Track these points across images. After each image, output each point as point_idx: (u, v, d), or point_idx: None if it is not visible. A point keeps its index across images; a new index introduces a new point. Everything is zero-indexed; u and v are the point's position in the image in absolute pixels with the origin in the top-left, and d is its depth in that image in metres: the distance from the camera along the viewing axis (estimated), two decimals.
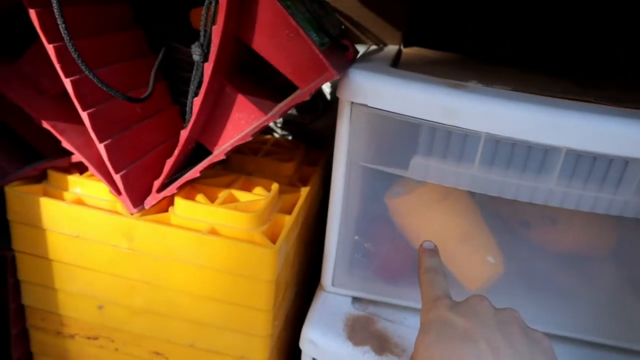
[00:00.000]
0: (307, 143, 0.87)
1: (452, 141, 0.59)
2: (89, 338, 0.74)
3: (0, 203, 0.69)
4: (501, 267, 0.69)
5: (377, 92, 0.59)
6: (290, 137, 0.93)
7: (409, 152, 0.61)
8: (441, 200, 0.68)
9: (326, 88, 0.92)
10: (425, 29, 0.92)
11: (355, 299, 0.73)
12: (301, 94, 0.57)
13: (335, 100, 0.97)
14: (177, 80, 0.84)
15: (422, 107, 0.58)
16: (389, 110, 0.59)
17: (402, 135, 0.61)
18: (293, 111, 0.92)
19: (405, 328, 0.69)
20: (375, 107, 0.60)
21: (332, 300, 0.72)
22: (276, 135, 0.94)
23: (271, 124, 0.92)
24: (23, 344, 0.78)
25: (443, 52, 0.88)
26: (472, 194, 0.68)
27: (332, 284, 0.73)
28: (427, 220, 0.69)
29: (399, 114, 0.59)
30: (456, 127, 0.57)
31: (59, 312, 0.73)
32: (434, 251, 0.59)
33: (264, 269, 0.62)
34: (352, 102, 0.61)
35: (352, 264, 0.72)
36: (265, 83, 0.69)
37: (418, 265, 0.57)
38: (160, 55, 0.71)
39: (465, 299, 0.49)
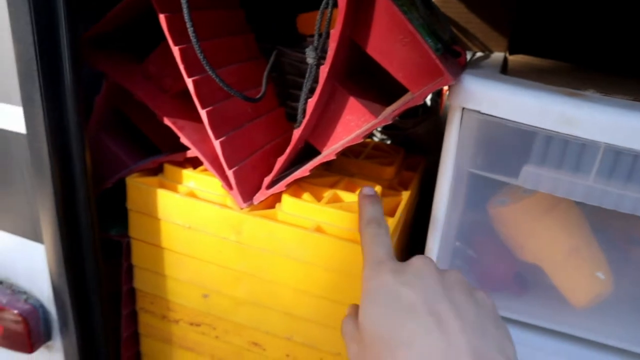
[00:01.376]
0: (405, 147, 0.87)
1: (569, 151, 0.57)
2: (192, 324, 0.78)
3: (120, 193, 0.74)
4: (610, 285, 0.66)
5: (491, 98, 0.58)
6: (389, 142, 0.93)
7: (520, 160, 0.60)
8: (549, 212, 0.66)
9: None
10: (532, 36, 0.89)
11: None
12: (414, 98, 0.57)
13: (434, 106, 0.96)
14: (283, 83, 0.87)
15: (538, 115, 0.56)
16: (502, 117, 0.58)
17: (514, 143, 0.60)
18: None
19: None
20: (488, 113, 0.59)
21: None
22: (375, 139, 0.95)
23: None
24: (132, 325, 0.84)
25: (550, 60, 0.86)
26: (581, 206, 0.65)
27: None
28: (533, 232, 0.67)
29: (513, 121, 0.58)
30: (574, 136, 0.56)
31: (167, 298, 0.78)
32: (375, 198, 0.54)
33: None
34: (463, 108, 0.61)
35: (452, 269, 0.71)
36: (375, 86, 0.70)
37: (359, 214, 0.53)
38: (272, 58, 0.74)
39: (408, 260, 0.46)
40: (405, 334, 0.38)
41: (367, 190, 0.55)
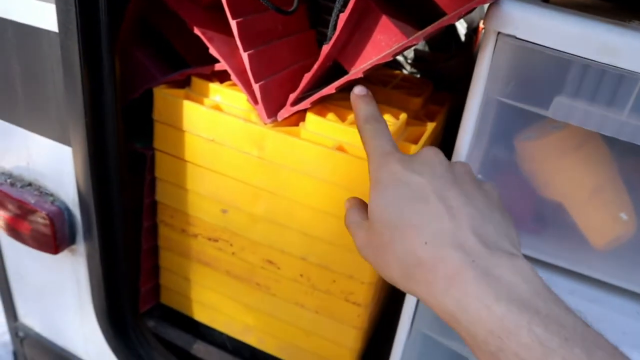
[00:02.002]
0: (434, 82, 0.86)
1: (605, 82, 0.55)
2: (210, 239, 0.80)
3: (147, 107, 0.75)
4: (633, 226, 0.65)
5: (529, 23, 0.56)
6: (418, 75, 0.92)
7: (552, 91, 0.58)
8: (576, 149, 0.65)
9: (461, 29, 0.89)
10: None
11: None
12: (449, 18, 0.56)
13: (469, 42, 0.94)
14: (315, 6, 0.86)
15: (577, 42, 0.54)
16: (539, 43, 0.56)
17: (548, 72, 0.58)
18: (424, 48, 0.90)
19: None
20: (524, 39, 0.57)
21: None
22: (405, 71, 0.94)
23: (401, 60, 0.92)
24: (152, 238, 0.86)
25: None
26: (610, 145, 0.64)
27: None
28: (559, 168, 0.66)
29: (550, 48, 0.56)
30: (612, 66, 0.54)
31: (187, 212, 0.79)
32: (369, 97, 0.52)
33: None
34: (498, 33, 0.59)
35: None
36: (406, 8, 0.68)
37: (354, 114, 0.51)
38: None
39: (418, 152, 0.46)
40: (415, 217, 0.39)
41: (359, 89, 0.52)
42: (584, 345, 0.31)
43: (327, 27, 0.85)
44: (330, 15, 0.83)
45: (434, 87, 0.86)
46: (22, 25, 0.65)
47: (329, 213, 0.68)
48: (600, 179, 0.65)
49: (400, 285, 0.40)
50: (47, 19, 0.62)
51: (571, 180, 0.66)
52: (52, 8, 0.61)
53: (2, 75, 0.70)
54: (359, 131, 0.49)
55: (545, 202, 0.69)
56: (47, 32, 0.63)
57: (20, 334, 1.01)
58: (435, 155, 0.44)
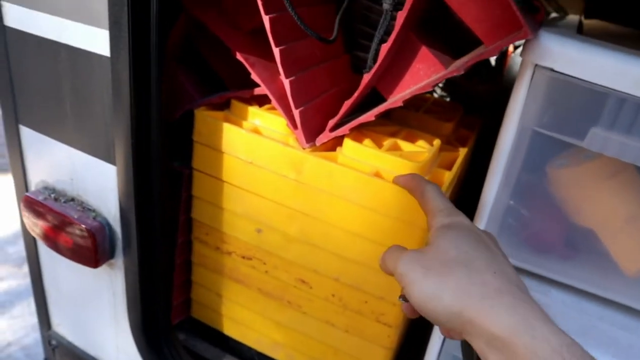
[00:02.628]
0: (464, 106, 0.88)
1: None
2: (243, 257, 0.82)
3: (184, 126, 0.77)
4: None
5: (567, 56, 0.58)
6: (448, 99, 0.93)
7: (588, 122, 0.60)
8: (610, 178, 0.66)
9: None
10: (609, 1, 0.87)
11: None
12: (488, 50, 0.57)
13: (499, 66, 0.95)
14: (350, 31, 0.88)
15: (613, 76, 0.56)
16: (576, 76, 0.58)
17: (584, 104, 0.59)
18: None
19: (550, 300, 0.69)
20: (561, 72, 0.58)
21: None
22: (435, 95, 0.95)
23: None
24: (185, 253, 0.88)
25: (626, 27, 0.83)
26: None
27: None
28: (592, 196, 0.67)
29: (586, 81, 0.57)
30: None
31: (222, 230, 0.81)
32: (420, 176, 0.57)
33: (421, 215, 0.64)
34: (535, 65, 0.60)
35: (503, 228, 0.72)
36: (443, 38, 0.70)
37: (413, 192, 0.55)
38: (346, 2, 0.74)
39: None
40: (485, 254, 0.43)
41: (406, 177, 0.57)
42: None
43: (362, 51, 0.88)
44: (365, 38, 0.85)
45: (464, 111, 0.88)
46: (76, 49, 0.68)
47: (364, 236, 0.69)
48: (633, 208, 0.66)
49: (447, 301, 0.41)
50: (99, 43, 0.65)
51: (604, 208, 0.67)
52: (104, 34, 0.64)
53: (53, 95, 0.73)
54: (421, 199, 0.53)
55: (577, 229, 0.70)
56: (99, 57, 0.66)
57: (53, 342, 1.04)
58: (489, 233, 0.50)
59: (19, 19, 0.71)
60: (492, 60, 0.92)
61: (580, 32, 0.71)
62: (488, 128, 0.84)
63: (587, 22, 0.82)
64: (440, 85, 0.94)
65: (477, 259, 0.42)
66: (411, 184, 0.56)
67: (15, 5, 0.71)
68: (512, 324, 0.37)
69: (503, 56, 0.96)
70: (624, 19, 0.83)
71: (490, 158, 0.67)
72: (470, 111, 0.90)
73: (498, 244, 0.48)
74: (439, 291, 0.41)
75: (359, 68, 0.79)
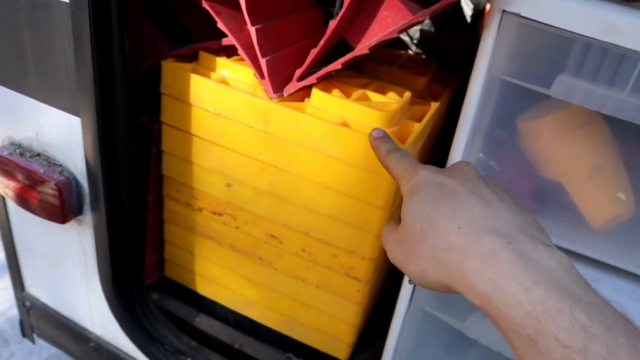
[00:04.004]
0: (440, 63, 0.87)
1: (607, 61, 0.56)
2: (214, 213, 0.81)
3: (154, 82, 0.76)
4: (632, 206, 0.66)
5: (533, 1, 0.57)
6: (423, 56, 0.92)
7: (555, 70, 0.59)
8: (577, 129, 0.66)
9: (468, 10, 0.89)
10: None
11: None
12: None
13: (474, 22, 0.94)
14: None
15: (580, 21, 0.55)
16: (543, 21, 0.57)
17: (551, 51, 0.59)
18: (430, 28, 0.91)
19: None
20: (528, 17, 0.58)
21: None
22: (410, 52, 0.94)
23: (406, 39, 0.92)
24: (158, 212, 0.88)
25: None
26: (611, 125, 0.65)
27: None
28: (559, 147, 0.67)
29: (553, 26, 0.56)
30: (615, 45, 0.54)
31: (192, 185, 0.81)
32: (387, 136, 0.53)
33: None
34: (503, 11, 0.60)
35: None
36: None
37: (376, 153, 0.52)
38: None
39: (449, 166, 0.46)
40: (447, 207, 0.39)
41: (376, 132, 0.53)
42: (628, 336, 0.31)
43: (334, 5, 0.86)
44: None
45: (440, 67, 0.87)
46: None
47: (332, 188, 0.69)
48: (599, 159, 0.66)
49: (431, 277, 0.39)
50: None
51: (571, 159, 0.67)
52: None
53: (13, 46, 0.71)
54: (385, 165, 0.49)
55: (545, 182, 0.70)
56: (59, 3, 0.64)
57: (27, 303, 1.03)
58: (465, 165, 0.45)
59: None
60: (468, 17, 0.91)
61: None
62: (464, 84, 0.83)
63: None
64: (415, 42, 0.92)
65: (439, 219, 0.38)
66: (374, 144, 0.52)
67: None
68: (485, 292, 0.34)
69: (480, 14, 0.95)
70: None
71: None
72: (447, 68, 0.89)
73: (474, 171, 0.44)
74: (420, 271, 0.39)
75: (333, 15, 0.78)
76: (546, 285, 0.33)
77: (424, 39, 0.91)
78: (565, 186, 0.68)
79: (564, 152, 0.67)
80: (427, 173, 0.43)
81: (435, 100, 0.77)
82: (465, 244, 0.37)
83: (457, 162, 0.46)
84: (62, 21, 0.65)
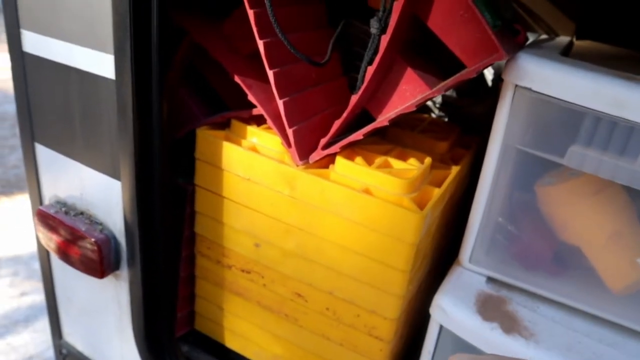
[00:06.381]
0: (462, 126, 0.90)
1: (616, 133, 0.58)
2: (243, 271, 0.85)
3: (189, 145, 0.81)
4: None
5: (544, 76, 0.60)
6: (446, 119, 0.96)
7: (567, 140, 0.62)
8: (594, 194, 0.68)
9: (489, 75, 0.93)
10: (600, 22, 0.89)
11: (490, 279, 0.75)
12: (467, 72, 0.60)
13: (495, 87, 0.98)
14: (348, 54, 0.91)
15: (589, 96, 0.58)
16: (553, 96, 0.60)
17: (563, 123, 0.62)
18: (452, 93, 0.94)
19: (538, 316, 0.70)
20: (539, 91, 0.61)
21: (467, 276, 0.75)
22: (433, 115, 0.98)
23: (429, 104, 0.96)
24: (190, 267, 0.92)
25: (618, 48, 0.85)
26: (628, 191, 0.66)
27: (469, 261, 0.75)
28: (577, 213, 0.68)
29: (563, 100, 0.60)
30: (623, 119, 0.57)
31: (223, 244, 0.85)
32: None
33: (408, 232, 0.66)
34: (516, 85, 0.63)
35: (492, 244, 0.74)
36: (432, 61, 0.73)
37: None
38: (339, 28, 0.78)
39: None
40: None
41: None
42: None
43: (358, 73, 0.91)
44: (361, 60, 0.88)
45: (462, 131, 0.90)
46: (84, 72, 0.72)
47: (355, 251, 0.72)
48: (617, 225, 0.67)
49: None
50: (106, 67, 0.70)
51: (589, 224, 0.68)
52: (110, 58, 0.68)
53: (65, 115, 0.78)
54: None
55: (565, 246, 0.71)
56: (105, 79, 0.70)
57: (64, 351, 1.08)
58: None
59: (36, 45, 0.77)
60: (489, 81, 0.94)
61: (567, 53, 0.73)
62: (485, 148, 0.86)
63: (578, 43, 0.84)
64: (438, 106, 0.96)
65: None
66: None
67: (32, 33, 0.76)
68: None
69: (500, 78, 0.99)
70: (614, 39, 0.85)
71: None
72: (469, 131, 0.92)
73: None
74: None
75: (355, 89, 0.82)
76: None
77: (447, 103, 0.95)
78: (584, 251, 0.69)
79: (582, 218, 0.69)
80: None
81: (457, 163, 0.80)
82: None
83: None
84: (108, 95, 0.72)
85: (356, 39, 0.92)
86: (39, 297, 1.90)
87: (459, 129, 0.89)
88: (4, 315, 1.82)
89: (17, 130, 0.84)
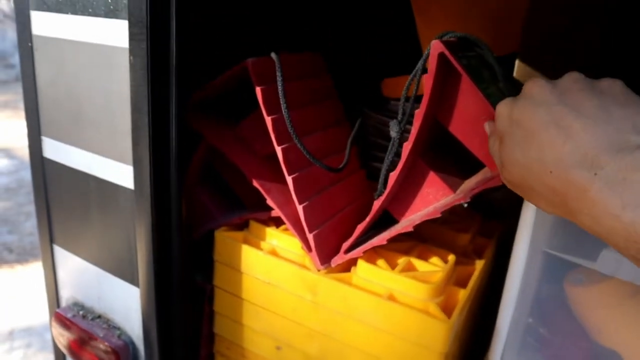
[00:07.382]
0: (482, 212, 0.88)
1: None
2: None
3: (207, 243, 0.80)
4: None
5: None
6: (465, 204, 0.94)
7: (599, 243, 0.60)
8: (630, 297, 0.65)
9: None
10: None
11: None
12: (493, 179, 0.59)
13: None
14: (365, 144, 0.91)
15: None
16: None
17: None
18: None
19: None
20: None
21: None
22: None
23: None
24: None
25: None
26: None
27: None
28: (613, 316, 0.65)
29: None
30: None
31: (242, 345, 0.82)
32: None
33: (436, 340, 0.64)
34: None
35: (523, 347, 0.70)
36: (452, 157, 0.72)
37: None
38: (357, 126, 0.78)
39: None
40: (534, 152, 0.40)
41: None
42: None
43: (377, 161, 0.90)
44: (379, 150, 0.88)
45: (484, 216, 0.89)
46: (103, 181, 0.73)
47: (380, 357, 0.69)
48: None
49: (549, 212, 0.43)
50: (125, 177, 0.70)
51: (626, 330, 0.65)
52: (129, 169, 0.68)
53: (84, 219, 0.78)
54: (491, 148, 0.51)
55: (601, 350, 0.68)
56: (124, 189, 0.70)
57: None
58: (534, 84, 0.44)
59: (56, 152, 0.78)
60: None
61: None
62: (509, 234, 0.84)
63: None
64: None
65: (532, 162, 0.41)
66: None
67: (53, 141, 0.77)
68: (590, 225, 0.39)
69: None
70: None
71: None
72: (490, 217, 0.90)
73: (570, 89, 0.41)
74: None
75: (375, 176, 0.82)
76: (634, 206, 0.34)
77: None
78: (624, 357, 0.66)
79: (619, 322, 0.65)
80: (506, 109, 0.46)
81: (480, 256, 0.78)
82: (562, 188, 0.38)
83: (567, 75, 0.44)
84: (127, 203, 0.71)
85: (372, 128, 0.92)
86: None
87: (480, 217, 0.87)
88: None
89: (32, 197, 0.84)
